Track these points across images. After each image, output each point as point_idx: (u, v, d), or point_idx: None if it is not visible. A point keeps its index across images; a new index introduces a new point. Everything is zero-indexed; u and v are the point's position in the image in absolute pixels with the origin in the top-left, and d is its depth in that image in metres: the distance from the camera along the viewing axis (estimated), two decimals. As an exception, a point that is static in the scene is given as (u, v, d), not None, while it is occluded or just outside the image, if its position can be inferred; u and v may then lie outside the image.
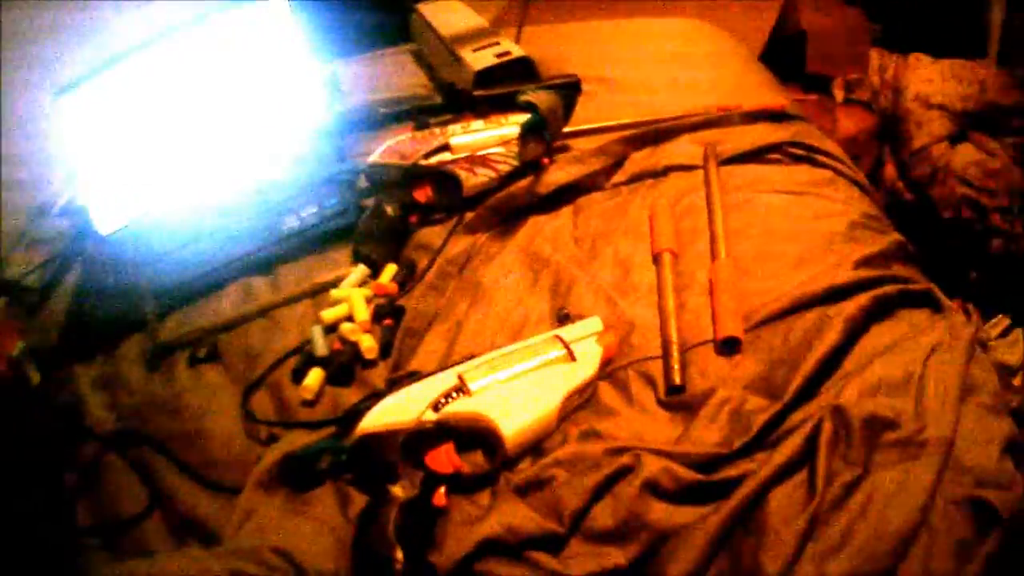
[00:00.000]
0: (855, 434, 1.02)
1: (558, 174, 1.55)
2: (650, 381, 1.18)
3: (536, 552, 0.97)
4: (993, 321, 1.96)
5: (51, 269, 1.62)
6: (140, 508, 1.16)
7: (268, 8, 1.63)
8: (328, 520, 1.06)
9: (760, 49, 2.68)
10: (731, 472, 1.01)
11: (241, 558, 1.01)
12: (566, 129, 1.66)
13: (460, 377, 1.14)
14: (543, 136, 1.55)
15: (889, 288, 1.21)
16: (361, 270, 1.45)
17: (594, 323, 1.24)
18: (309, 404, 1.25)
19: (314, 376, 1.26)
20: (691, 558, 0.93)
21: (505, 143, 1.59)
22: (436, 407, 1.10)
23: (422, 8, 2.12)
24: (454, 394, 1.12)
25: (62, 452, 1.26)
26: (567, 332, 1.22)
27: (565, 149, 1.65)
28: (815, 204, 1.43)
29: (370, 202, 1.56)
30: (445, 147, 1.61)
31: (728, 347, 1.20)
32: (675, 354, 1.19)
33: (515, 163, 1.56)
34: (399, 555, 0.96)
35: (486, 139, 1.60)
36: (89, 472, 1.23)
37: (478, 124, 1.65)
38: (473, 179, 1.55)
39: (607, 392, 1.18)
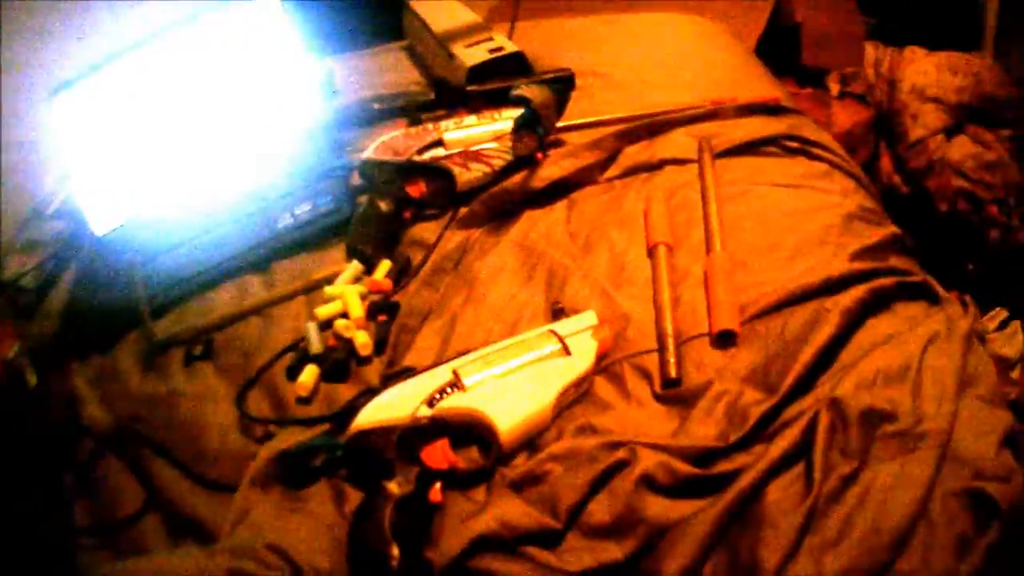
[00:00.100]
0: (852, 427, 1.02)
1: (552, 168, 1.54)
2: (646, 375, 1.18)
3: (532, 547, 0.97)
4: (991, 314, 1.96)
5: (47, 270, 1.62)
6: (137, 507, 1.16)
7: (261, 6, 1.62)
8: (324, 517, 1.06)
9: (754, 43, 2.67)
10: (728, 466, 1.01)
11: (237, 556, 1.00)
12: (560, 123, 1.65)
13: (455, 373, 1.13)
14: (536, 131, 1.54)
15: (886, 280, 1.21)
16: (355, 266, 1.45)
17: (589, 317, 1.24)
18: (304, 401, 1.25)
19: (309, 373, 1.26)
20: (688, 552, 0.93)
21: (498, 138, 1.58)
22: (431, 403, 1.10)
23: (415, 4, 2.11)
24: (449, 390, 1.12)
25: (60, 452, 1.26)
26: (562, 326, 1.22)
27: (559, 144, 1.64)
28: (811, 196, 1.43)
29: (364, 199, 1.55)
30: (438, 143, 1.60)
31: (724, 340, 1.19)
32: (671, 347, 1.19)
33: (509, 158, 1.56)
34: (395, 551, 0.95)
35: (479, 134, 1.60)
36: (86, 472, 1.23)
37: (471, 119, 1.65)
38: (467, 174, 1.55)
39: (602, 386, 1.18)
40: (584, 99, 1.73)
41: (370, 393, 1.15)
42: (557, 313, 1.27)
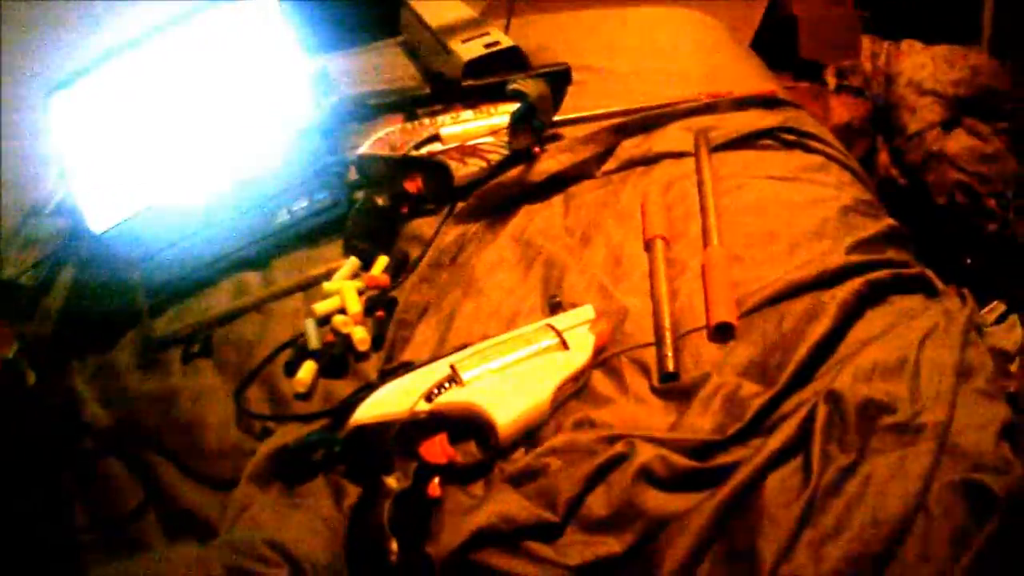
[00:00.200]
0: (850, 419, 1.01)
1: (549, 163, 1.54)
2: (643, 368, 1.18)
3: (531, 541, 0.97)
4: (989, 307, 1.95)
5: (45, 268, 1.62)
6: (136, 504, 1.16)
7: (257, 3, 1.62)
8: (323, 512, 1.06)
9: (751, 37, 2.67)
10: (726, 459, 1.01)
11: (236, 552, 1.00)
12: (556, 118, 1.66)
13: (453, 367, 1.13)
14: (533, 125, 1.54)
15: (883, 273, 1.21)
16: (352, 262, 1.45)
17: (586, 311, 1.24)
18: (302, 397, 1.25)
19: (307, 369, 1.26)
20: (687, 545, 0.93)
21: (495, 132, 1.59)
22: (429, 398, 1.10)
23: (411, 0, 2.12)
24: (447, 384, 1.12)
25: (59, 451, 1.26)
26: (559, 321, 1.22)
27: (556, 138, 1.64)
28: (807, 189, 1.43)
29: (361, 194, 1.55)
30: (435, 137, 1.61)
31: (721, 333, 1.19)
32: (668, 341, 1.19)
33: (505, 152, 1.56)
34: (394, 546, 0.95)
35: (476, 129, 1.60)
36: (86, 470, 1.23)
37: (468, 114, 1.65)
38: (463, 169, 1.55)
39: (600, 380, 1.18)
40: (580, 93, 1.73)
41: (368, 388, 1.15)
42: (554, 307, 1.27)
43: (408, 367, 1.18)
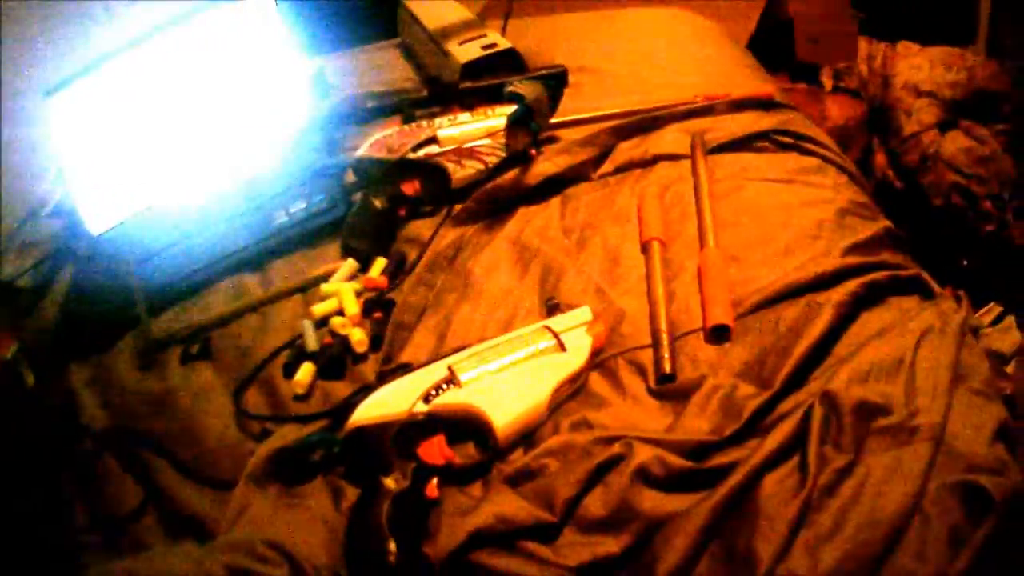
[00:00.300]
0: (846, 420, 1.02)
1: (546, 165, 1.55)
2: (640, 370, 1.18)
3: (529, 542, 0.97)
4: (985, 309, 1.96)
5: (43, 270, 1.62)
6: (135, 505, 1.16)
7: (255, 5, 1.62)
8: (321, 513, 1.06)
9: (747, 38, 2.68)
10: (722, 460, 1.01)
11: (235, 552, 1.01)
12: (553, 120, 1.66)
13: (450, 369, 1.14)
14: (530, 127, 1.54)
15: (879, 274, 1.21)
16: (350, 264, 1.45)
17: (583, 313, 1.24)
18: (301, 398, 1.25)
19: (305, 370, 1.26)
20: (684, 546, 0.93)
21: (492, 135, 1.59)
22: (427, 399, 1.11)
23: (408, 2, 2.12)
24: (445, 386, 1.12)
25: (59, 452, 1.26)
26: (557, 322, 1.22)
27: (552, 140, 1.64)
28: (803, 192, 1.43)
29: (358, 196, 1.55)
30: (432, 140, 1.61)
31: (718, 335, 1.20)
32: (665, 343, 1.19)
33: (503, 154, 1.57)
34: (392, 547, 0.96)
35: (473, 131, 1.61)
36: (85, 471, 1.23)
37: (465, 116, 1.66)
38: (461, 171, 1.55)
39: (597, 382, 1.18)
40: (577, 95, 1.74)
41: (366, 390, 1.16)
42: (552, 309, 1.27)
43: (406, 368, 1.18)
